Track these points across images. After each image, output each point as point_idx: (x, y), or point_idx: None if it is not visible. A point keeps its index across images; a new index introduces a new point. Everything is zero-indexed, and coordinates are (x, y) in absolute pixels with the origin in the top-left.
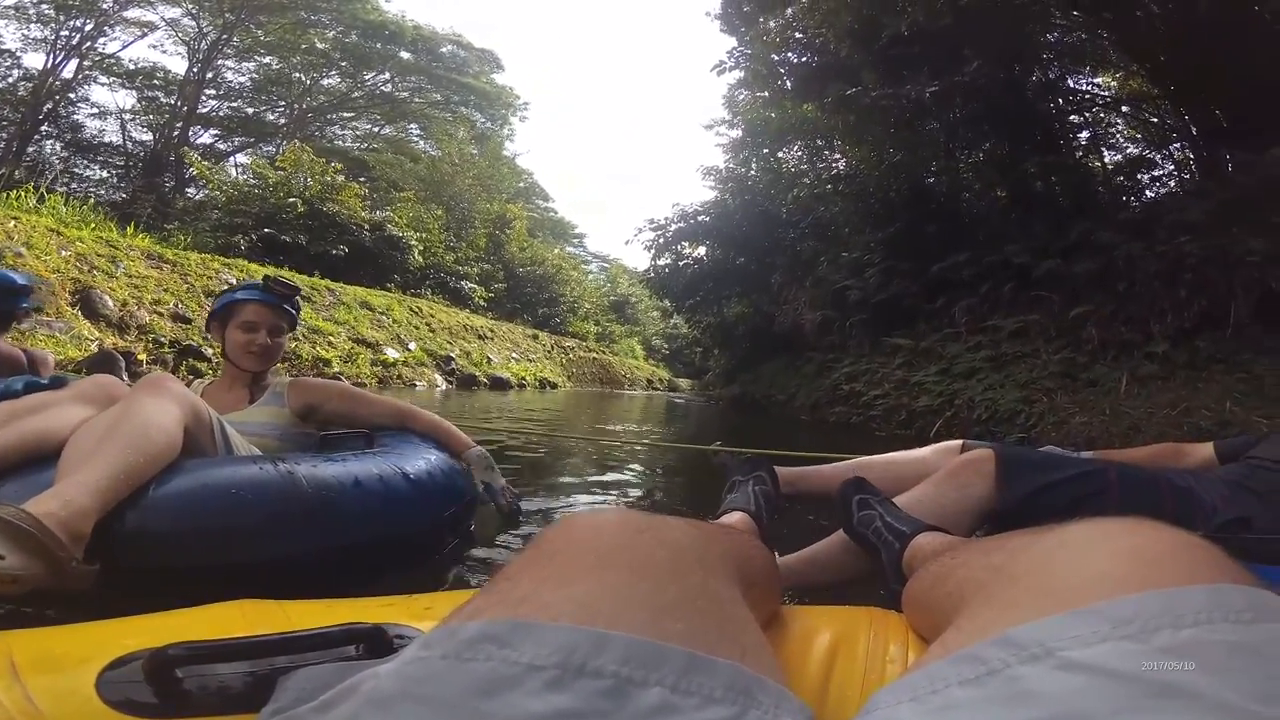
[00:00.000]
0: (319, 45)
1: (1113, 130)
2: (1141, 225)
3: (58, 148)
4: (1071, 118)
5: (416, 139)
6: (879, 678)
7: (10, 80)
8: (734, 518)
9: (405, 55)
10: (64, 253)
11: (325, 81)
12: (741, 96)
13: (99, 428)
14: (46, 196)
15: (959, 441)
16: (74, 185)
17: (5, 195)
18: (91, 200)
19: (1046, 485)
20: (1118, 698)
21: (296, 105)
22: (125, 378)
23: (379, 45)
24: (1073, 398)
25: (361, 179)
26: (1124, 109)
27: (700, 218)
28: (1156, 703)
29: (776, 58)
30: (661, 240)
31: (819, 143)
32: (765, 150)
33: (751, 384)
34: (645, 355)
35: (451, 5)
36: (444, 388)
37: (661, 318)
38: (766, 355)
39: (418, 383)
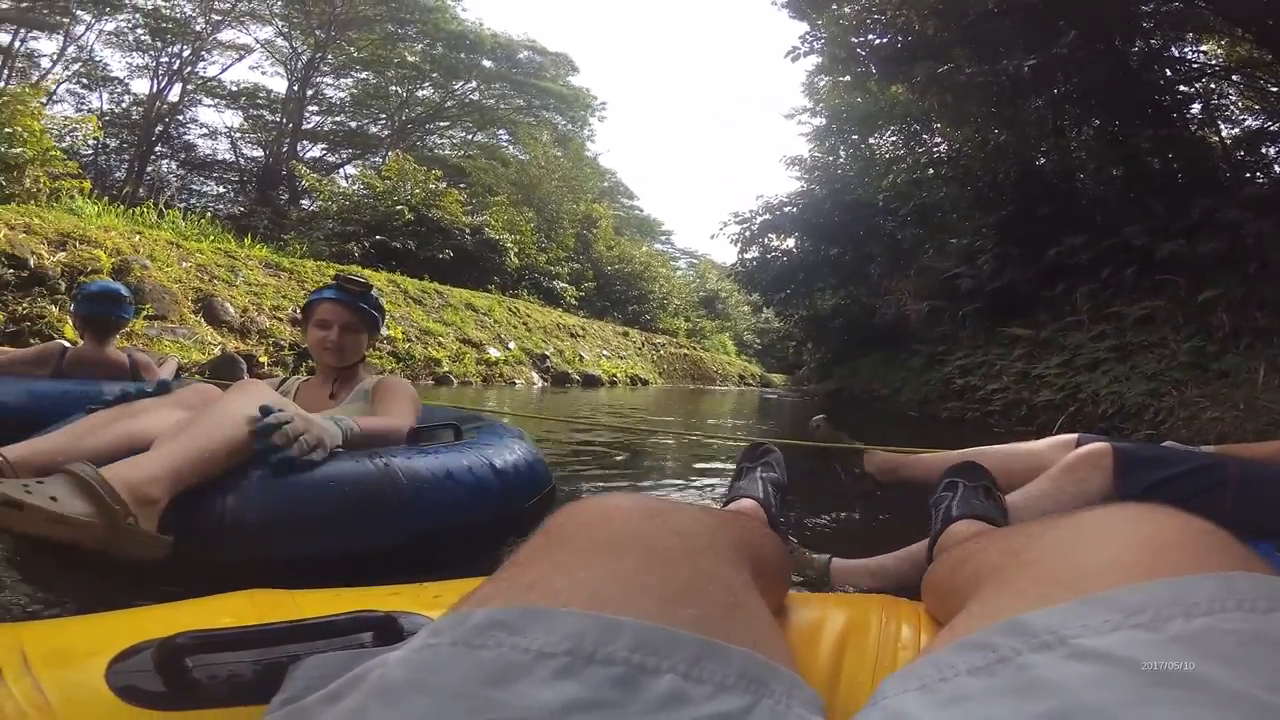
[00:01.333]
0: (409, 58)
1: (1226, 101)
2: (1270, 201)
3: (174, 166)
4: (1181, 89)
5: (505, 144)
6: (890, 664)
7: (123, 105)
8: (743, 504)
9: (487, 63)
10: (185, 264)
11: (419, 93)
12: (822, 82)
13: (191, 418)
14: (165, 212)
15: (1073, 435)
16: (193, 201)
17: (129, 211)
18: (209, 214)
19: (1163, 480)
20: (1130, 688)
21: (396, 117)
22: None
23: (463, 55)
24: (1203, 390)
25: (460, 185)
26: (1234, 77)
27: (787, 209)
28: (1169, 693)
29: (856, 40)
30: (748, 233)
31: (914, 126)
32: (854, 136)
33: (850, 378)
34: (737, 350)
35: (524, 12)
36: (539, 385)
37: (752, 312)
38: (866, 348)
39: (516, 380)
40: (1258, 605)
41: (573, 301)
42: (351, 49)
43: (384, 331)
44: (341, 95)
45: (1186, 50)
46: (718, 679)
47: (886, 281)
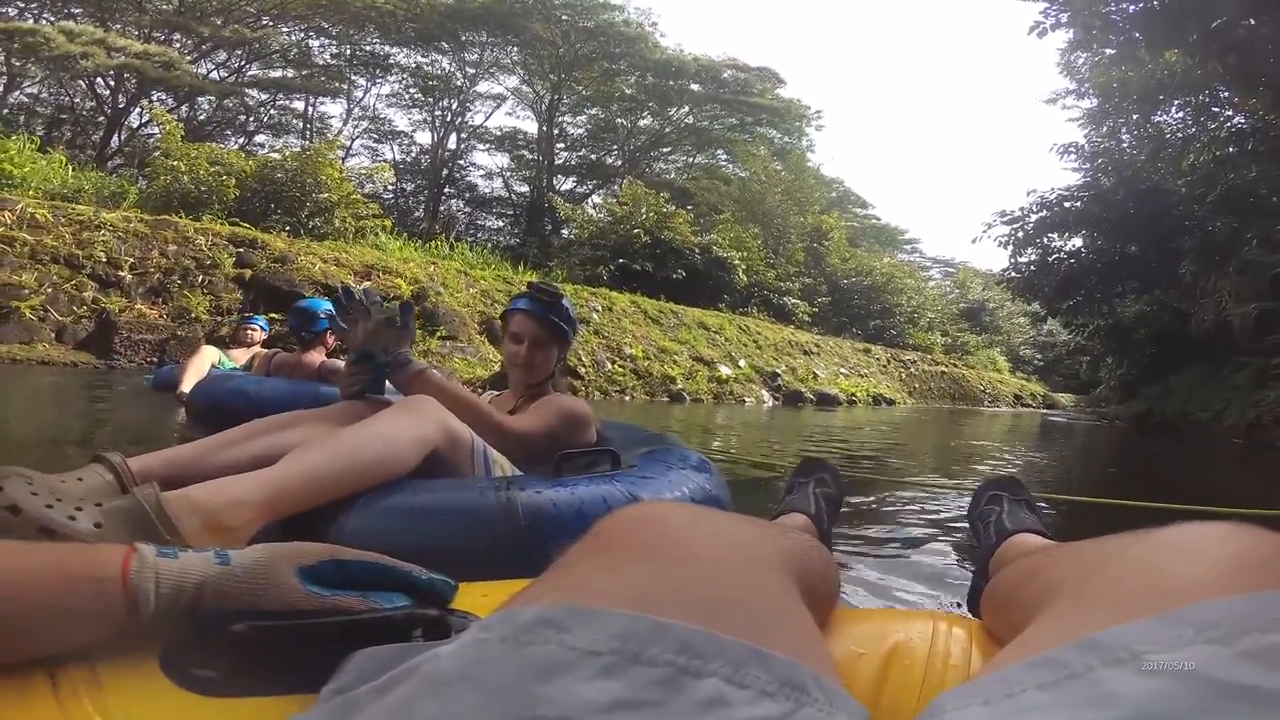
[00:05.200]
0: (627, 91)
1: None
2: None
3: (461, 204)
4: None
5: (725, 163)
6: (939, 681)
7: (412, 155)
8: (794, 519)
9: (695, 87)
10: (471, 290)
11: (641, 122)
12: (1081, 59)
13: (328, 435)
14: (454, 245)
15: None
16: (478, 235)
17: (425, 245)
18: (489, 245)
19: None
20: (1198, 700)
21: (625, 146)
22: None
23: (671, 82)
24: None
25: (686, 206)
26: None
27: (1068, 203)
28: (1237, 705)
29: (1109, 9)
30: (1020, 234)
31: (1203, 97)
32: (1135, 116)
33: (1161, 399)
34: (1011, 367)
35: (722, 33)
36: (770, 404)
37: (1030, 324)
38: (1179, 362)
39: (746, 398)
40: None
41: (805, 318)
42: (580, 88)
43: (628, 351)
44: (579, 131)
45: None
46: (760, 684)
47: (1201, 282)
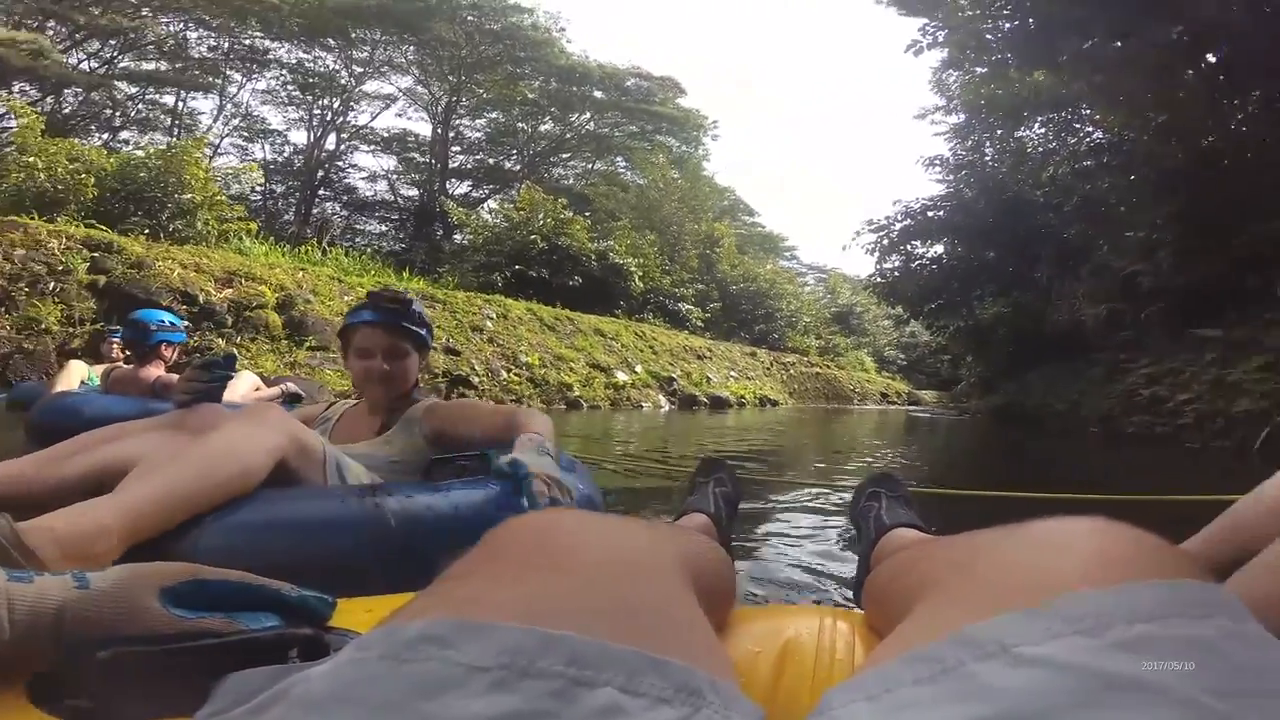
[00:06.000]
0: (529, 95)
1: None
2: None
3: (337, 208)
4: None
5: (623, 170)
6: (827, 677)
7: (285, 155)
8: (694, 519)
9: (598, 94)
10: (345, 298)
11: (542, 127)
12: (952, 77)
13: (172, 451)
14: (329, 250)
15: None
16: (358, 240)
17: (295, 250)
18: (369, 251)
19: None
20: (1070, 691)
21: (525, 151)
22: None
23: (575, 88)
24: None
25: (585, 213)
26: None
27: (931, 213)
28: (1109, 695)
29: (985, 28)
30: (885, 242)
31: (1065, 114)
32: (999, 131)
33: (1019, 393)
34: (877, 367)
35: (627, 41)
36: (667, 408)
37: (894, 326)
38: (1036, 359)
39: (643, 404)
40: (1199, 612)
41: (699, 323)
42: (481, 91)
43: (523, 359)
44: (478, 134)
45: None
46: (656, 691)
47: (1056, 285)
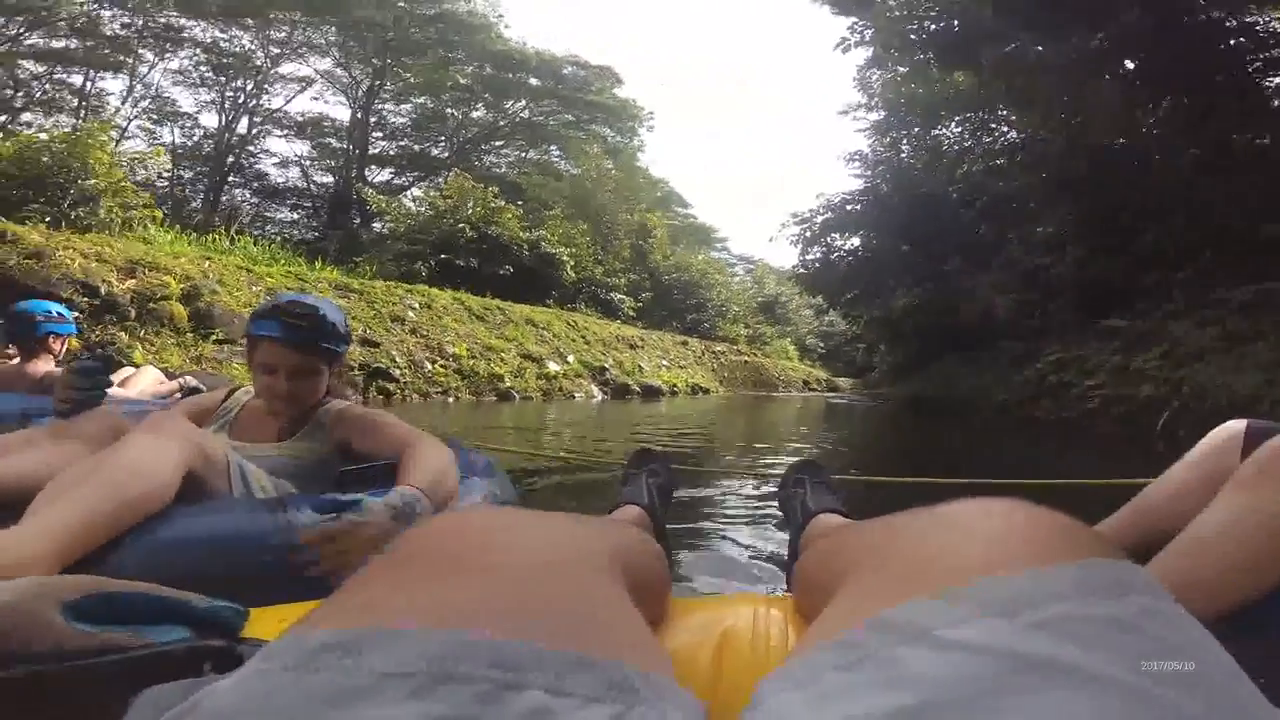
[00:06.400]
0: (462, 81)
1: None
2: None
3: (247, 195)
4: (1259, 62)
5: (558, 159)
6: (764, 665)
7: (194, 139)
8: (628, 511)
9: (534, 81)
10: (254, 288)
11: (474, 114)
12: (875, 76)
13: (80, 470)
14: (237, 238)
15: (1238, 425)
16: (268, 228)
17: (201, 239)
18: (280, 239)
19: None
20: (991, 672)
21: (454, 138)
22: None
23: (510, 75)
24: None
25: (517, 202)
26: None
27: (850, 207)
28: (1027, 678)
29: (911, 28)
30: (808, 234)
31: (981, 114)
32: (916, 129)
33: (929, 381)
34: (799, 355)
35: (565, 29)
36: (599, 398)
37: (814, 315)
38: (945, 348)
39: (576, 394)
40: (1112, 590)
41: (631, 313)
42: (408, 75)
43: (450, 350)
44: (402, 120)
45: (1255, 20)
46: (585, 690)
47: (966, 278)
